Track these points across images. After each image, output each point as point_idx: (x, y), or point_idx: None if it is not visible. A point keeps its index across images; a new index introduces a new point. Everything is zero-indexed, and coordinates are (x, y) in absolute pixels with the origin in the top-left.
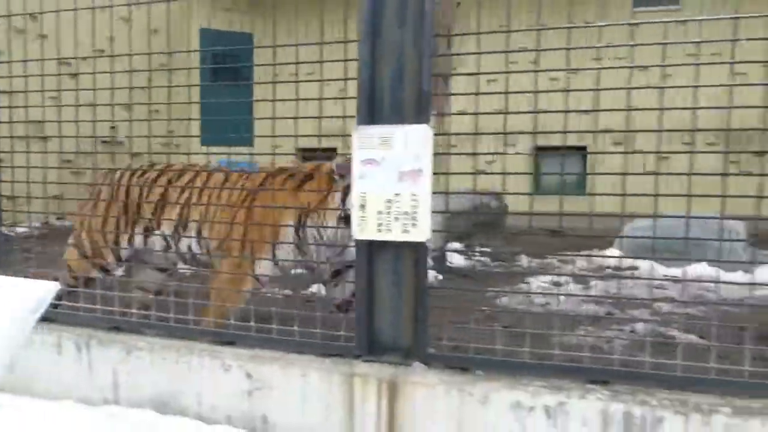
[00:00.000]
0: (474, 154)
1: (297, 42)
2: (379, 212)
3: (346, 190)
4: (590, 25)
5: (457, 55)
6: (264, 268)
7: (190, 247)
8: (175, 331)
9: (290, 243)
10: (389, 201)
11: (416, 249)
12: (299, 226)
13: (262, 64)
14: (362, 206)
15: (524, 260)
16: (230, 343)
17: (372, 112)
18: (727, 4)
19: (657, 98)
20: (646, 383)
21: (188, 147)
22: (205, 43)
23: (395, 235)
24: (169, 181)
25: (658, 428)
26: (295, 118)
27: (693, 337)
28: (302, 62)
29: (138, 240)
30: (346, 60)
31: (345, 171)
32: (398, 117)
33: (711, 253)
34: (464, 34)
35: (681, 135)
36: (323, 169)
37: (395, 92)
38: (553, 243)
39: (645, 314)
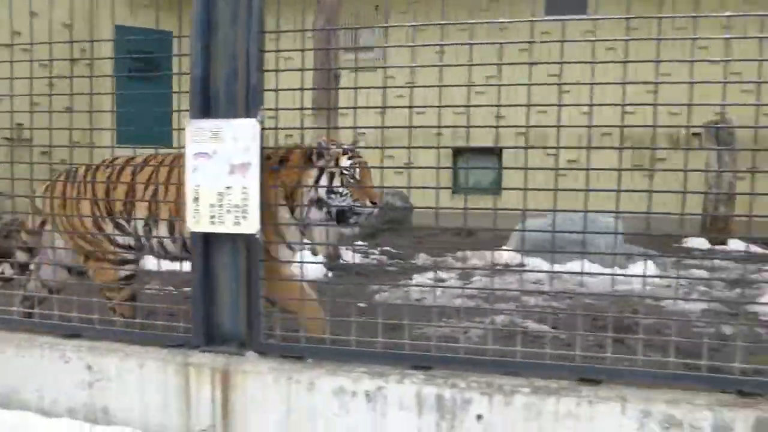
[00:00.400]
0: (387, 147)
1: None
2: (212, 205)
3: (321, 171)
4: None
5: (283, 51)
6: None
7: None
8: (18, 324)
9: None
10: (221, 194)
11: (248, 241)
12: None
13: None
14: (196, 199)
15: (421, 258)
16: (75, 335)
17: (207, 107)
18: (629, 12)
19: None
20: (463, 367)
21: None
22: (121, 41)
23: (228, 227)
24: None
25: (467, 408)
26: None
27: (545, 327)
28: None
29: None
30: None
31: (323, 151)
32: (233, 111)
33: (592, 249)
34: (288, 31)
35: (589, 140)
36: (297, 152)
37: (229, 87)
38: (461, 241)
39: (512, 307)
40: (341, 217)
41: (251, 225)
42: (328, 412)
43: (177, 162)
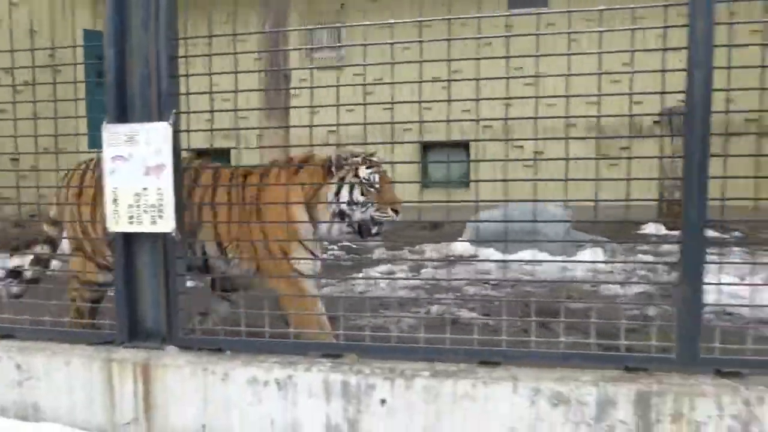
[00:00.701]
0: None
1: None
2: (130, 205)
3: (341, 183)
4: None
5: (191, 57)
6: (304, 264)
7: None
8: None
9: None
10: (138, 194)
11: (166, 240)
12: (312, 216)
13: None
14: (115, 200)
15: (377, 252)
16: (7, 336)
17: (123, 111)
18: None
19: (533, 95)
20: (370, 355)
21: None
22: (91, 46)
23: (146, 226)
24: None
25: (371, 394)
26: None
27: (475, 315)
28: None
29: None
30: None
31: (342, 162)
32: (147, 116)
33: (542, 239)
34: (196, 37)
35: (554, 131)
36: (316, 159)
37: (144, 92)
38: (424, 235)
39: (452, 297)
40: (364, 229)
41: (167, 224)
42: (243, 402)
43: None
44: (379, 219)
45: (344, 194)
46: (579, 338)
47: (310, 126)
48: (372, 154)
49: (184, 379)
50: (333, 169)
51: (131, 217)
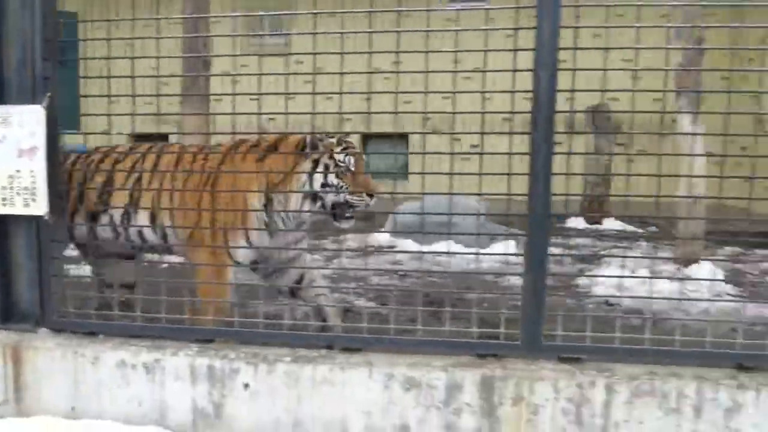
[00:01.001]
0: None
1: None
2: (3, 187)
3: (315, 166)
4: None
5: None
6: (242, 254)
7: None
8: None
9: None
10: (11, 177)
11: (40, 223)
12: (267, 203)
13: None
14: None
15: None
16: None
17: (1, 92)
18: None
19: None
20: (238, 339)
21: None
22: None
23: (18, 209)
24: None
25: (235, 378)
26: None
27: (372, 304)
28: None
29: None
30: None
31: (317, 143)
32: (24, 98)
33: (458, 230)
34: (66, 21)
35: (492, 125)
36: (290, 140)
37: (21, 74)
38: (356, 226)
39: (355, 286)
40: (338, 211)
41: (40, 207)
42: (112, 383)
43: (164, 150)
44: (353, 203)
45: (318, 177)
46: (454, 327)
47: (234, 113)
48: (348, 135)
49: (54, 362)
50: (307, 150)
51: (4, 199)
